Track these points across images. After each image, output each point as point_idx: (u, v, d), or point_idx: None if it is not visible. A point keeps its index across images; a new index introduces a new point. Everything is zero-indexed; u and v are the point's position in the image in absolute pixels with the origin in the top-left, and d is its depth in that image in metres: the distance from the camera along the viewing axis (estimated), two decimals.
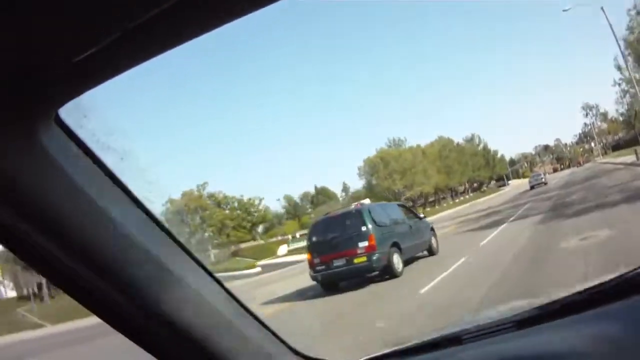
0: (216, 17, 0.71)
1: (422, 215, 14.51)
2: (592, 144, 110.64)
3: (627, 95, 54.38)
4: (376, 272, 11.65)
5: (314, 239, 12.38)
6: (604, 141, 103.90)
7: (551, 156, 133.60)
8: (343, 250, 11.57)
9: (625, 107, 60.98)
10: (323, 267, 11.81)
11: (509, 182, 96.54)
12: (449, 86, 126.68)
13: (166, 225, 0.96)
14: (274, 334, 1.23)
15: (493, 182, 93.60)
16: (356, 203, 14.09)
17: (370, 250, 11.36)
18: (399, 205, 14.46)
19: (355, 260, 11.46)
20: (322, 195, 74.37)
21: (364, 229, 11.55)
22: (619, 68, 49.32)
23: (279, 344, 1.25)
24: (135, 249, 0.87)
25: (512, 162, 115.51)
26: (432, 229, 14.40)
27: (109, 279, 0.86)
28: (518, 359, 1.09)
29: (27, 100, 0.70)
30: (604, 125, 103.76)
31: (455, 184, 69.50)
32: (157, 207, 0.96)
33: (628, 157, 37.03)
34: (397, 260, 11.77)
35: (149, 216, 0.93)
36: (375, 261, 11.34)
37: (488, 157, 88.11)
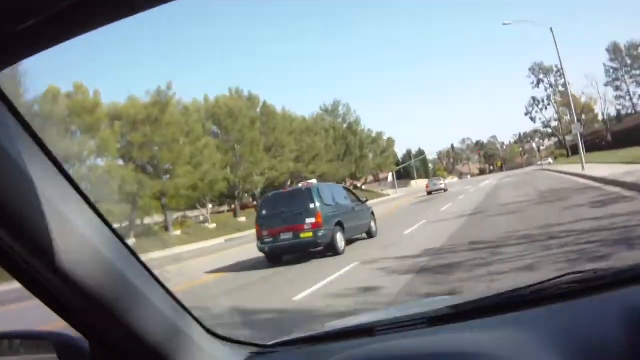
0: None
1: (364, 199, 15.51)
2: (534, 145, 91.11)
3: None
4: (320, 248, 12.51)
5: (264, 212, 13.05)
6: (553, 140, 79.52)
7: (478, 156, 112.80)
8: (291, 224, 12.33)
9: None
10: (271, 239, 12.52)
11: (412, 182, 75.22)
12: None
13: (84, 192, 0.94)
14: (187, 311, 1.20)
15: (391, 179, 62.44)
16: (304, 182, 14.83)
17: (316, 226, 12.17)
18: (343, 187, 15.44)
19: (302, 235, 12.23)
20: None
21: (312, 206, 12.34)
22: None
23: (192, 322, 1.21)
24: (52, 211, 0.85)
25: (420, 154, 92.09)
26: (372, 213, 15.47)
27: (26, 243, 0.84)
28: (428, 356, 1.10)
29: None
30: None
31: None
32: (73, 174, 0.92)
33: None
34: (340, 239, 12.66)
35: (69, 182, 0.92)
36: (321, 237, 12.17)
37: (350, 143, 54.89)
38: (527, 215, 12.55)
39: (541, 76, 73.78)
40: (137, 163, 28.91)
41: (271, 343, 1.46)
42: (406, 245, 11.80)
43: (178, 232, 30.41)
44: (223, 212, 45.67)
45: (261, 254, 12.96)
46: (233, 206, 41.93)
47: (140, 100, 30.23)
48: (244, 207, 42.36)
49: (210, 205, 38.47)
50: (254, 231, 13.97)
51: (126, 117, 28.73)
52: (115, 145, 27.60)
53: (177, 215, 34.85)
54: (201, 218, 37.73)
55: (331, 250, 12.46)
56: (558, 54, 29.74)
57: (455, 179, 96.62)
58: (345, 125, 57.93)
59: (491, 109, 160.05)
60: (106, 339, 1.03)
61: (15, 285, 0.98)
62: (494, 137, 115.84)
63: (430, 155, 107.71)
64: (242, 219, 36.82)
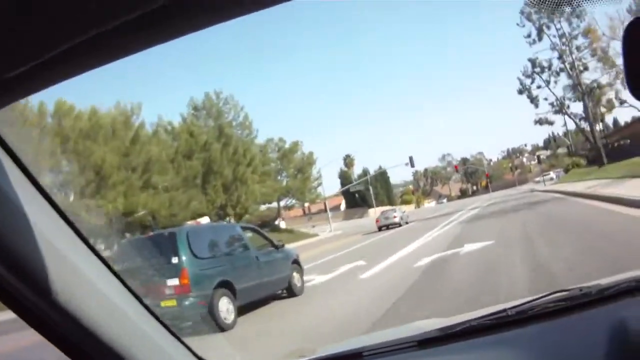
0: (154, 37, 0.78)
1: (279, 243, 11.27)
2: (524, 159, 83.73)
3: None
4: (189, 323, 8.33)
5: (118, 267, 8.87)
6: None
7: (458, 174, 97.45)
8: (147, 289, 8.18)
9: None
10: None
11: (370, 211, 58.33)
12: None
13: (72, 220, 0.98)
14: (176, 337, 1.20)
15: (330, 209, 40.30)
16: (195, 221, 10.66)
17: (181, 291, 8.05)
18: (243, 227, 11.11)
19: (163, 304, 8.09)
20: None
21: (175, 260, 8.21)
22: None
23: (181, 348, 1.22)
24: (39, 242, 0.87)
25: (381, 173, 66.16)
26: (297, 261, 11.27)
27: (15, 271, 0.86)
28: None
29: None
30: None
31: None
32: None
33: None
34: (225, 308, 8.48)
35: (56, 210, 0.95)
36: (188, 307, 8.02)
37: (212, 157, 32.14)
38: None
39: (544, 20, 40.54)
40: None
41: None
42: None
43: None
44: None
45: None
46: None
47: None
48: None
49: None
50: None
51: None
52: None
53: None
54: None
55: (208, 324, 8.28)
56: None
57: (433, 203, 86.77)
58: (213, 128, 33.92)
59: (476, 118, 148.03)
60: None
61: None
62: (480, 153, 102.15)
63: (407, 177, 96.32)
64: None
